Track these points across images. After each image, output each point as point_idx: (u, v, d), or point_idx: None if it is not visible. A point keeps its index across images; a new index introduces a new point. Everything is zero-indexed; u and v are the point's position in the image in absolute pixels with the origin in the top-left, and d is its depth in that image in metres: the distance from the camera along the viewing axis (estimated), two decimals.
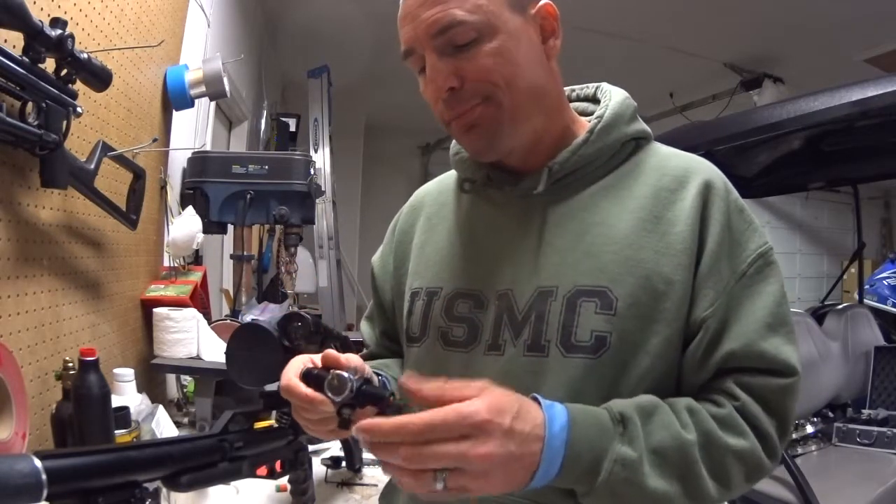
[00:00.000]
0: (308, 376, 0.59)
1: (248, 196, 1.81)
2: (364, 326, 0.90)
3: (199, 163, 1.84)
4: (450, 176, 0.83)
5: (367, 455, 1.39)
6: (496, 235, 0.72)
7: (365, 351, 0.88)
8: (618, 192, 0.69)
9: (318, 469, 1.33)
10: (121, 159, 1.26)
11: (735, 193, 0.68)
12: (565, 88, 0.76)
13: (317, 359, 0.63)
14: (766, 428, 0.62)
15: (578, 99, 0.79)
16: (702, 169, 0.69)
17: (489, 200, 0.75)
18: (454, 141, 0.80)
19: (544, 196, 0.70)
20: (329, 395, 0.57)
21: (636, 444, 0.57)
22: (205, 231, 1.66)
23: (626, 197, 0.68)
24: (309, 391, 0.59)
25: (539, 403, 0.56)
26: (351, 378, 0.57)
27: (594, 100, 0.77)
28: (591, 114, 0.75)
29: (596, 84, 0.78)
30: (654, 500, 0.57)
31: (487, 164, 0.74)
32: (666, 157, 0.71)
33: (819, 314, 2.72)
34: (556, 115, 0.71)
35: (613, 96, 0.73)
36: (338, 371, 0.58)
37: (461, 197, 0.78)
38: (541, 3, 0.68)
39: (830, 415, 2.47)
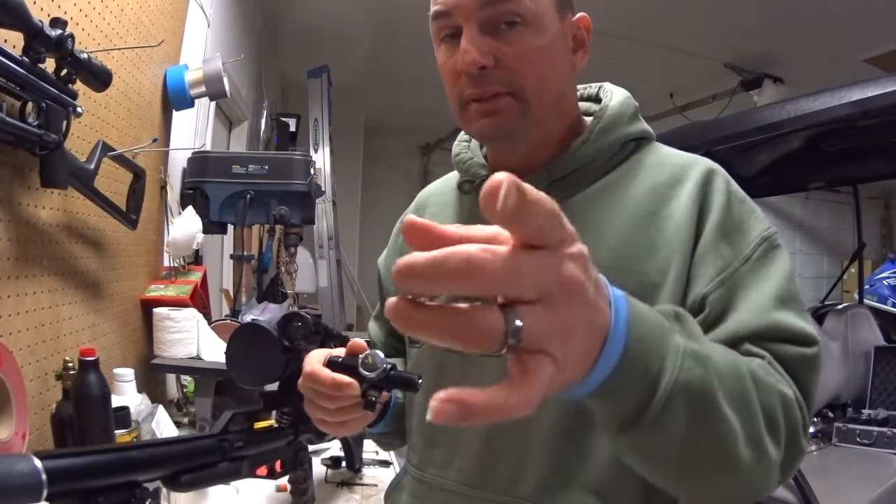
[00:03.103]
0: (333, 364, 0.60)
1: (248, 196, 1.81)
2: (372, 326, 0.91)
3: (199, 163, 1.84)
4: (453, 177, 0.83)
5: (367, 455, 1.39)
6: None
7: None
8: (616, 191, 0.68)
9: (318, 469, 1.33)
10: (121, 159, 1.26)
11: (735, 185, 0.67)
12: None
13: (336, 352, 0.63)
14: (795, 391, 0.54)
15: (581, 99, 0.79)
16: (701, 164, 0.68)
17: None
18: (455, 143, 0.80)
19: None
20: (363, 372, 0.57)
21: (699, 340, 0.44)
22: (205, 231, 1.66)
23: (624, 196, 0.67)
24: (336, 374, 0.59)
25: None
26: (384, 358, 0.58)
27: (597, 100, 0.77)
28: (592, 113, 0.74)
29: (599, 84, 0.78)
30: (724, 433, 0.43)
31: (488, 166, 0.74)
32: (665, 156, 0.71)
33: (819, 314, 2.72)
34: (567, 118, 0.71)
35: (614, 96, 0.73)
36: (372, 350, 0.59)
37: (462, 198, 0.78)
38: (578, 15, 0.69)
39: (830, 415, 2.47)
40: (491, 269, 0.29)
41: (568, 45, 0.68)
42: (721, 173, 0.68)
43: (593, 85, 0.78)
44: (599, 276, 0.38)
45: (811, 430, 2.32)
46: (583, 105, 0.78)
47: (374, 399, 0.57)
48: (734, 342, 0.57)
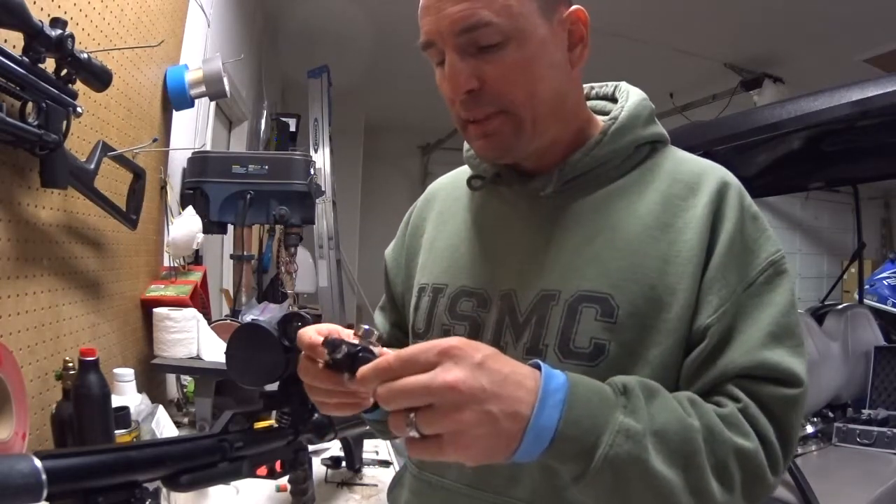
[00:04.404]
0: (331, 344, 0.57)
1: (248, 196, 1.81)
2: (377, 316, 0.91)
3: (199, 163, 1.84)
4: (464, 171, 0.83)
5: (367, 455, 1.39)
6: (504, 234, 0.72)
7: None
8: (628, 196, 0.67)
9: (318, 469, 1.33)
10: (121, 159, 1.26)
11: (749, 200, 0.66)
12: (584, 85, 0.75)
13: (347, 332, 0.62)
14: (768, 435, 0.58)
15: (597, 97, 0.78)
16: (716, 175, 0.67)
17: (500, 198, 0.74)
18: None
19: (554, 197, 0.69)
20: (325, 348, 0.55)
21: (640, 416, 0.52)
22: (205, 231, 1.66)
23: (637, 202, 0.66)
24: (315, 339, 0.58)
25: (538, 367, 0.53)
26: (349, 345, 0.54)
27: (612, 99, 0.76)
28: (608, 113, 0.73)
29: (615, 83, 0.77)
30: (656, 488, 0.52)
31: (499, 163, 0.74)
32: (680, 163, 0.69)
33: (819, 314, 2.72)
34: (572, 119, 0.70)
35: (631, 97, 0.72)
36: (364, 328, 0.55)
37: (473, 193, 0.78)
38: (572, 9, 0.66)
39: (830, 415, 2.47)
40: (390, 398, 0.47)
41: (562, 45, 0.66)
42: (735, 186, 0.66)
43: (609, 84, 0.77)
44: (519, 370, 0.50)
45: (811, 430, 2.32)
46: (598, 104, 0.76)
47: (335, 364, 0.55)
48: (720, 381, 0.60)
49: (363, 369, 0.49)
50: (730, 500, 0.55)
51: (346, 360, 0.54)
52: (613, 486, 0.51)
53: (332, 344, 0.54)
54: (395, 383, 0.47)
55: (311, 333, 0.59)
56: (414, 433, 0.47)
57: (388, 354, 0.49)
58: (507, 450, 0.48)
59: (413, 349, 0.48)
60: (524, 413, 0.48)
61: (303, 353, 0.61)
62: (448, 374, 0.46)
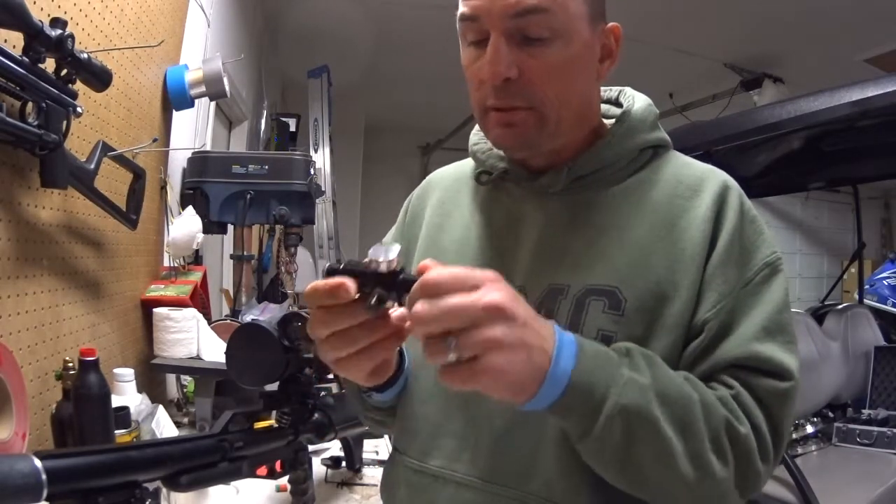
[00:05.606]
0: (333, 271, 0.51)
1: (248, 196, 1.81)
2: None
3: (199, 163, 1.84)
4: (467, 164, 0.83)
5: (367, 455, 1.39)
6: (512, 231, 0.72)
7: None
8: (634, 197, 0.69)
9: (318, 469, 1.33)
10: (121, 159, 1.26)
11: (748, 203, 0.68)
12: None
13: None
14: (759, 423, 0.58)
15: (602, 101, 0.79)
16: (717, 179, 0.69)
17: (507, 194, 0.75)
18: (474, 131, 0.79)
19: (561, 195, 0.70)
20: (370, 265, 0.50)
21: (643, 374, 0.54)
22: (205, 231, 1.66)
23: (642, 203, 0.68)
24: (331, 280, 0.50)
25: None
26: (394, 258, 0.50)
27: (617, 103, 0.77)
28: (612, 116, 0.75)
29: (619, 88, 0.78)
30: (660, 448, 0.53)
31: (507, 158, 0.74)
32: (683, 166, 0.71)
33: (819, 314, 2.72)
34: (587, 124, 0.72)
35: (636, 101, 0.74)
36: (383, 245, 0.51)
37: (478, 188, 0.78)
38: (610, 24, 0.68)
39: (830, 415, 2.47)
40: (433, 317, 0.46)
41: (595, 55, 0.68)
42: (735, 189, 0.68)
43: (614, 88, 0.79)
44: (545, 321, 0.51)
45: (811, 430, 2.32)
46: (603, 107, 0.78)
47: (382, 297, 0.49)
48: (713, 371, 0.61)
49: (415, 286, 0.47)
50: (726, 477, 0.56)
51: (387, 279, 0.49)
52: (620, 443, 0.53)
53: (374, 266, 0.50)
54: (441, 301, 0.46)
55: (320, 281, 0.52)
56: (454, 356, 0.46)
57: (432, 271, 0.47)
58: (530, 386, 0.50)
59: (455, 271, 0.48)
60: (549, 351, 0.50)
61: (315, 308, 0.53)
62: (492, 294, 0.47)
